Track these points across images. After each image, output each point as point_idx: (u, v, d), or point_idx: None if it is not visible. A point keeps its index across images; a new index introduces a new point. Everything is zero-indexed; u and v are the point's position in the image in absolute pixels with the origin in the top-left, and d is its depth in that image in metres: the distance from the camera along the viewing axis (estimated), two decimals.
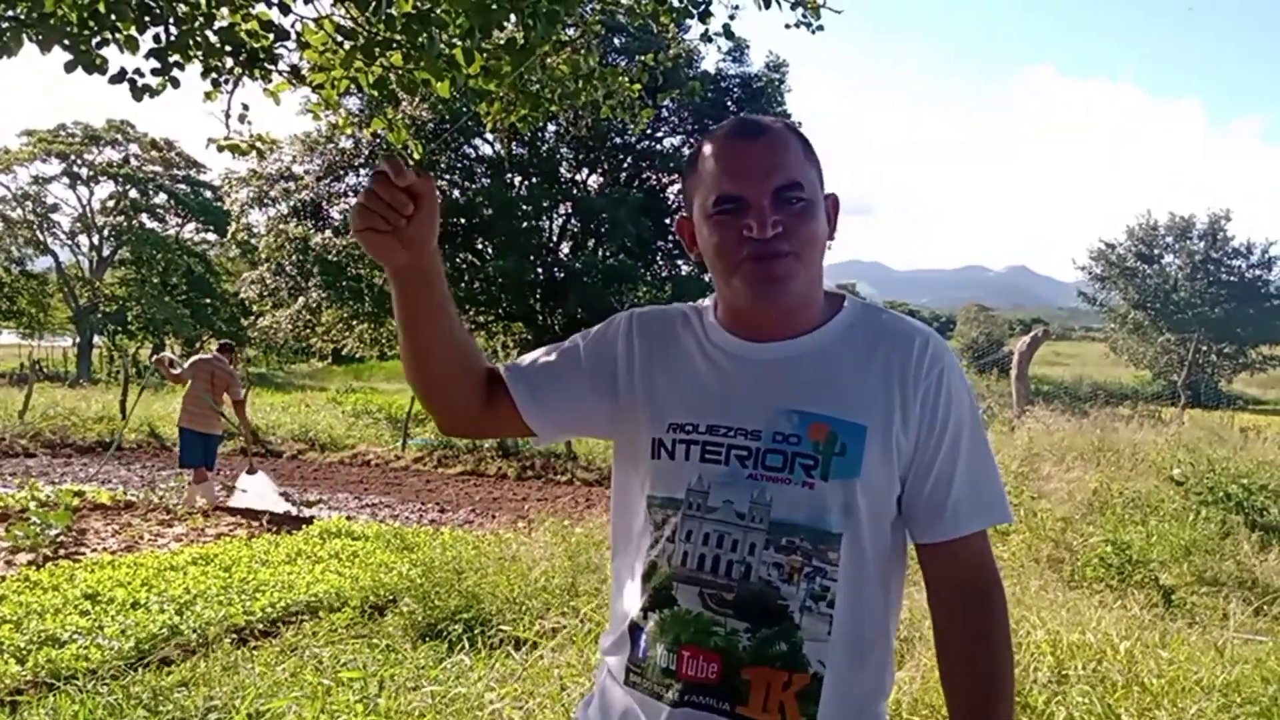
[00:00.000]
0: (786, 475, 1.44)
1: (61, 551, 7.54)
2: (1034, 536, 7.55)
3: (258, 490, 10.24)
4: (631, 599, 1.56)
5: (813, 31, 5.60)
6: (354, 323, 22.39)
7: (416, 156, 6.13)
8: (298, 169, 22.06)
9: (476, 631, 5.08)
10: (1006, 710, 1.50)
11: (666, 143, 23.79)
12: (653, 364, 1.58)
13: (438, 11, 4.72)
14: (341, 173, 22.20)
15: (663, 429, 1.52)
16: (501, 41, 4.97)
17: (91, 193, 41.62)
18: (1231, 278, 41.75)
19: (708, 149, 1.51)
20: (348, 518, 9.46)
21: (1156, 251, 43.60)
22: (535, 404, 1.59)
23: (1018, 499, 8.33)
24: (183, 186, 42.31)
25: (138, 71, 4.69)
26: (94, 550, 7.71)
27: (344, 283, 20.69)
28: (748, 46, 23.16)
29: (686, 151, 22.94)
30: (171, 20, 4.62)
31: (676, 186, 23.53)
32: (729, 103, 22.10)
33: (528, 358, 1.66)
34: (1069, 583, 6.67)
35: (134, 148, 41.44)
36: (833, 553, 1.44)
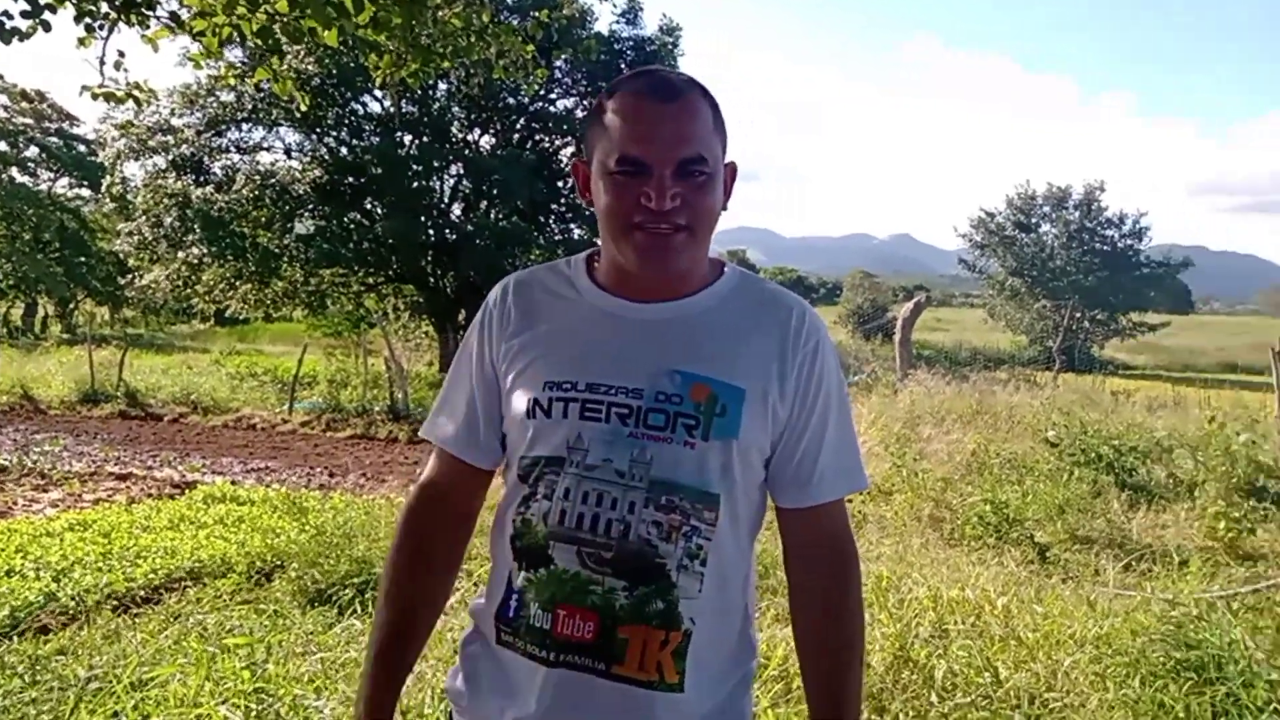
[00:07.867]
0: (668, 434, 1.43)
1: None
2: (915, 496, 7.79)
3: None
4: (504, 559, 1.54)
5: None
6: (237, 282, 21.71)
7: (304, 108, 5.96)
8: (177, 122, 21.21)
9: (368, 595, 5.04)
10: (858, 671, 1.56)
11: (560, 105, 23.59)
12: (528, 327, 1.56)
13: None
14: (223, 127, 21.45)
15: (539, 388, 1.50)
16: None
17: None
18: (1105, 247, 43.31)
19: (616, 102, 1.46)
20: (232, 482, 9.26)
21: (1034, 220, 44.96)
22: (481, 453, 1.62)
23: (900, 460, 8.56)
24: (55, 140, 40.24)
25: (6, 13, 4.46)
26: None
27: (226, 240, 20.04)
28: (641, 9, 23.07)
29: (580, 114, 22.77)
30: None
31: (570, 149, 23.34)
32: (622, 65, 21.97)
33: (443, 412, 1.66)
34: (949, 541, 6.90)
35: (3, 98, 39.28)
36: (710, 512, 1.44)
